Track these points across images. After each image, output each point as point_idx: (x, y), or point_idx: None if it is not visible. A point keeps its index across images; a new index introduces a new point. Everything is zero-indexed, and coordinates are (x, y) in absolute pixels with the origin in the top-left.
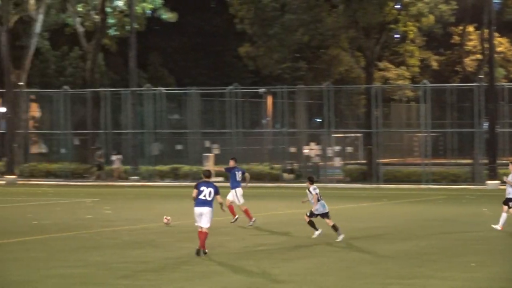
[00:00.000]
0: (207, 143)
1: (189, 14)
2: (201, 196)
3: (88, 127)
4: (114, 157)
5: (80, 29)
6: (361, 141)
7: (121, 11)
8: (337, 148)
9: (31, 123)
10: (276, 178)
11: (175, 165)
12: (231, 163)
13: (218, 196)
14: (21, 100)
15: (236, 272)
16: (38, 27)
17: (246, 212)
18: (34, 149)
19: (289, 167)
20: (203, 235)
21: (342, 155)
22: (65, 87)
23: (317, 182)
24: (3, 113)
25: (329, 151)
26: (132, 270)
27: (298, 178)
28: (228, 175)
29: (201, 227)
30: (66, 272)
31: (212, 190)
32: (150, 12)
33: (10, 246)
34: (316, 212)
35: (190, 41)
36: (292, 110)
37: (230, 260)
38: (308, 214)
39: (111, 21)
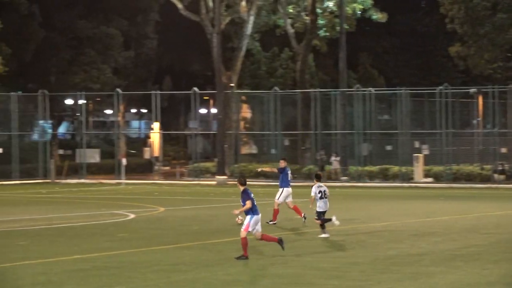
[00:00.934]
0: (417, 144)
1: (399, 14)
2: (255, 203)
3: (298, 127)
4: (333, 158)
5: (291, 30)
6: None
7: (331, 12)
8: None
9: (241, 124)
10: (486, 179)
11: (384, 166)
12: (282, 164)
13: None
14: (232, 101)
15: (446, 273)
16: (249, 28)
17: (276, 211)
18: (244, 150)
19: (500, 168)
20: (267, 236)
21: None
22: (275, 88)
23: None
24: (214, 114)
25: None
26: (341, 271)
27: (509, 179)
28: (279, 175)
29: (258, 231)
30: (277, 272)
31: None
32: (360, 12)
33: (220, 246)
34: (319, 210)
35: (400, 41)
36: (504, 110)
37: (440, 261)
38: (316, 217)
39: (321, 22)
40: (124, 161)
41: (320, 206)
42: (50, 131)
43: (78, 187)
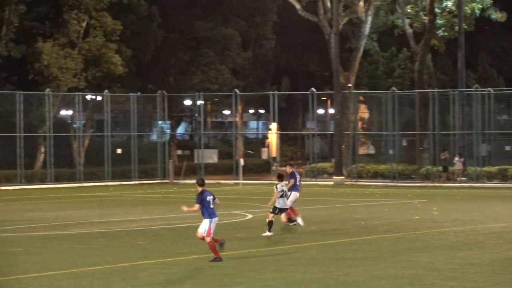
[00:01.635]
0: None
1: None
2: (211, 206)
3: (415, 128)
4: (456, 159)
5: (409, 30)
6: None
7: (450, 12)
8: None
9: (359, 124)
10: None
11: (503, 166)
12: (288, 169)
13: (217, 200)
14: (349, 102)
15: None
16: (367, 29)
17: (292, 211)
18: (362, 150)
19: None
20: (212, 242)
21: None
22: (393, 88)
23: None
24: (332, 115)
25: None
26: (459, 272)
27: None
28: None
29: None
30: (394, 272)
31: (212, 196)
32: (479, 12)
33: (338, 246)
34: (278, 206)
35: None
36: None
37: None
38: (271, 210)
39: (439, 22)
40: (242, 161)
41: (279, 203)
42: (168, 131)
43: (196, 188)
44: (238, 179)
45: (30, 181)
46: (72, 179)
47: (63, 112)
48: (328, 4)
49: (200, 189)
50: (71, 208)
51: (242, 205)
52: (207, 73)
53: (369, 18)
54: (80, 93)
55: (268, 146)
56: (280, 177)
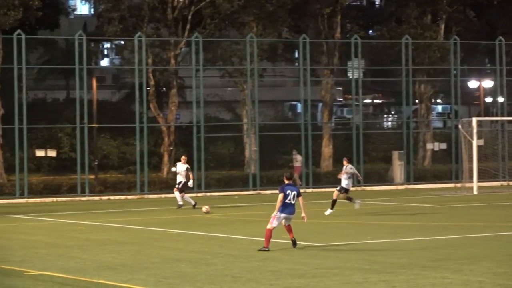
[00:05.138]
0: None
1: None
2: (287, 200)
3: None
4: None
5: None
6: None
7: None
8: None
9: None
10: None
11: None
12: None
13: (300, 198)
14: None
15: None
16: None
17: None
18: None
19: None
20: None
21: None
22: None
23: None
24: None
25: None
26: None
27: None
28: None
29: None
30: None
31: (295, 192)
32: None
33: None
34: (344, 186)
35: None
36: None
37: None
38: (338, 188)
39: None
40: None
41: (347, 183)
42: None
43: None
44: None
45: None
46: None
47: None
48: None
49: (286, 182)
50: None
51: None
52: None
53: None
54: None
55: None
56: (349, 158)
